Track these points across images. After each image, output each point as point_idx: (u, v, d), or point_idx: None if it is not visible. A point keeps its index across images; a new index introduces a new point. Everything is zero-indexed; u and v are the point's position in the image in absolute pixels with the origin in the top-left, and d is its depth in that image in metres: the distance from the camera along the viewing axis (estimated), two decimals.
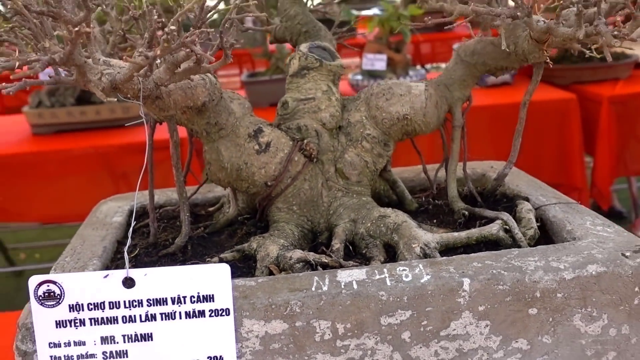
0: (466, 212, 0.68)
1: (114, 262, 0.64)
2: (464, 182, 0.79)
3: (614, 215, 2.79)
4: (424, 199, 0.75)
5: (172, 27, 0.42)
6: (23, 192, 2.57)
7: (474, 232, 0.62)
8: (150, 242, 0.66)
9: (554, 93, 2.59)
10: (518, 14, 0.52)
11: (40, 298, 0.49)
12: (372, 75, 2.62)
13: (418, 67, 3.39)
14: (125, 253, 0.49)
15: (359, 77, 2.66)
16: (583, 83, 2.61)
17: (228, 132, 0.63)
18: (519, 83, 2.80)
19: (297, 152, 0.64)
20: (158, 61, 0.45)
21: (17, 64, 0.41)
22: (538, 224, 0.65)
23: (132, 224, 0.53)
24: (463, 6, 0.63)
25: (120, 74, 0.45)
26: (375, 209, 0.66)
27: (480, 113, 2.67)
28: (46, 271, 0.59)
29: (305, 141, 0.65)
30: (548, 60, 0.59)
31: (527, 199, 0.70)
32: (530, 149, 2.72)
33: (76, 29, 0.39)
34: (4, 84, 0.41)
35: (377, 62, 2.73)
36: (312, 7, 0.81)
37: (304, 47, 0.70)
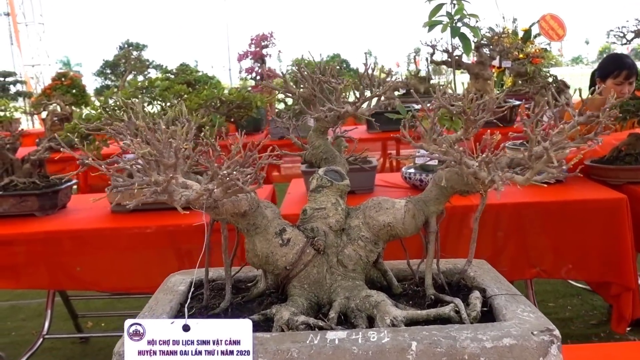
0: (433, 297, 0.91)
1: (177, 317, 0.91)
2: (448, 275, 1.02)
3: None
4: (407, 285, 0.99)
5: (225, 172, 0.71)
6: (99, 263, 2.87)
7: (432, 312, 0.85)
8: (203, 305, 0.93)
9: (605, 193, 2.67)
10: (452, 162, 0.79)
11: (130, 334, 0.76)
12: (425, 169, 2.79)
13: None
14: (185, 308, 0.76)
15: (412, 170, 2.83)
16: (636, 184, 2.67)
17: (262, 230, 0.91)
18: (571, 181, 2.91)
19: (308, 246, 0.91)
20: (215, 190, 0.74)
21: (135, 186, 0.71)
22: (485, 309, 0.88)
23: (191, 292, 0.80)
24: (433, 147, 0.90)
25: (191, 196, 0.75)
26: (364, 290, 0.90)
27: (531, 209, 2.79)
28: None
29: (315, 239, 0.92)
30: (481, 192, 0.83)
31: (483, 290, 0.93)
32: (578, 247, 2.80)
33: (170, 175, 0.68)
34: (128, 202, 0.71)
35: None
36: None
37: (321, 171, 0.98)
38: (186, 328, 0.76)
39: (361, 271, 0.94)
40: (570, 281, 4.05)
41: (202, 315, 0.89)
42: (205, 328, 0.76)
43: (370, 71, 0.98)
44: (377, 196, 0.97)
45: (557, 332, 0.78)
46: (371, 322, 0.87)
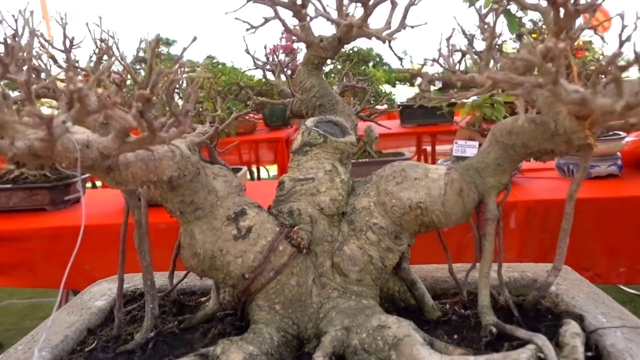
0: (494, 329, 0.53)
1: (73, 353, 0.56)
2: (513, 289, 0.65)
3: None
4: (448, 306, 0.62)
5: (82, 85, 0.35)
6: (108, 260, 2.66)
7: (496, 358, 0.48)
8: (114, 334, 0.57)
9: None
10: (540, 80, 0.41)
11: None
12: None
13: None
14: (36, 351, 0.41)
15: (449, 163, 2.54)
16: None
17: (205, 213, 0.55)
18: (627, 176, 2.53)
19: (282, 241, 0.54)
20: (69, 123, 0.38)
21: None
22: (591, 353, 0.49)
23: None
24: (490, 75, 0.52)
25: (36, 140, 0.39)
26: (375, 316, 0.53)
27: (583, 206, 2.43)
28: None
29: (295, 228, 0.55)
30: (590, 142, 0.45)
31: (580, 318, 0.55)
32: (637, 248, 2.42)
33: None
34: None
35: (469, 148, 2.61)
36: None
37: (310, 121, 0.62)
38: None
39: (372, 283, 0.57)
40: (622, 287, 3.69)
41: (105, 357, 0.53)
42: None
43: None
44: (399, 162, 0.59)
45: None
46: None
